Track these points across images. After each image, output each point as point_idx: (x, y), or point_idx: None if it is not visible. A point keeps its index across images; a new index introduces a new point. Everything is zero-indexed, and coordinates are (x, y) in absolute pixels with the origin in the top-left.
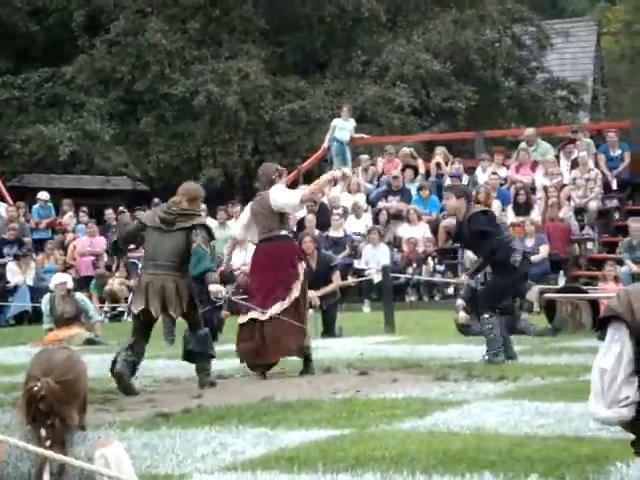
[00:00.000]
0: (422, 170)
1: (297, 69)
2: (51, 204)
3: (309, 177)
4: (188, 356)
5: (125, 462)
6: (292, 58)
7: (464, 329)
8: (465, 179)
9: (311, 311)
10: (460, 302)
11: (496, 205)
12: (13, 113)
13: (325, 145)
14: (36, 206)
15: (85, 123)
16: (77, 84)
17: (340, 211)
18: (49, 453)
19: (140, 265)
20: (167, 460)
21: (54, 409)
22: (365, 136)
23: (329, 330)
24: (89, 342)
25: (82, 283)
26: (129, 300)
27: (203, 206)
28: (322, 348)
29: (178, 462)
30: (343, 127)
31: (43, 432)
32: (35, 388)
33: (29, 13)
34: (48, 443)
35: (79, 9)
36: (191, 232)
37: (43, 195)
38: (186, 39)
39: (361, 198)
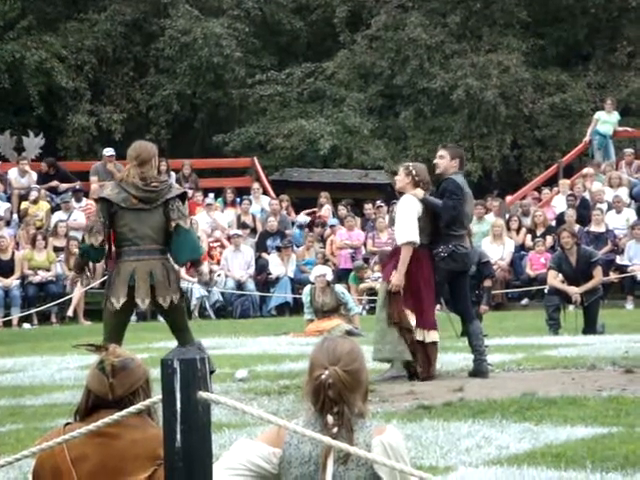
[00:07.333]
0: None
1: (558, 61)
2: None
3: (569, 171)
4: None
5: (401, 447)
6: (554, 50)
7: None
8: None
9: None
10: None
11: None
12: (276, 108)
13: (587, 139)
14: None
15: (345, 117)
16: (338, 79)
17: (603, 206)
18: (330, 440)
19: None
20: (431, 452)
21: (342, 397)
22: (629, 129)
23: (591, 327)
24: (348, 334)
25: (341, 275)
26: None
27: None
28: (584, 345)
29: (442, 454)
30: (606, 120)
31: (330, 419)
32: (323, 376)
33: (293, 10)
34: (335, 430)
35: (341, 5)
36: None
37: None
38: (446, 33)
39: (623, 192)
